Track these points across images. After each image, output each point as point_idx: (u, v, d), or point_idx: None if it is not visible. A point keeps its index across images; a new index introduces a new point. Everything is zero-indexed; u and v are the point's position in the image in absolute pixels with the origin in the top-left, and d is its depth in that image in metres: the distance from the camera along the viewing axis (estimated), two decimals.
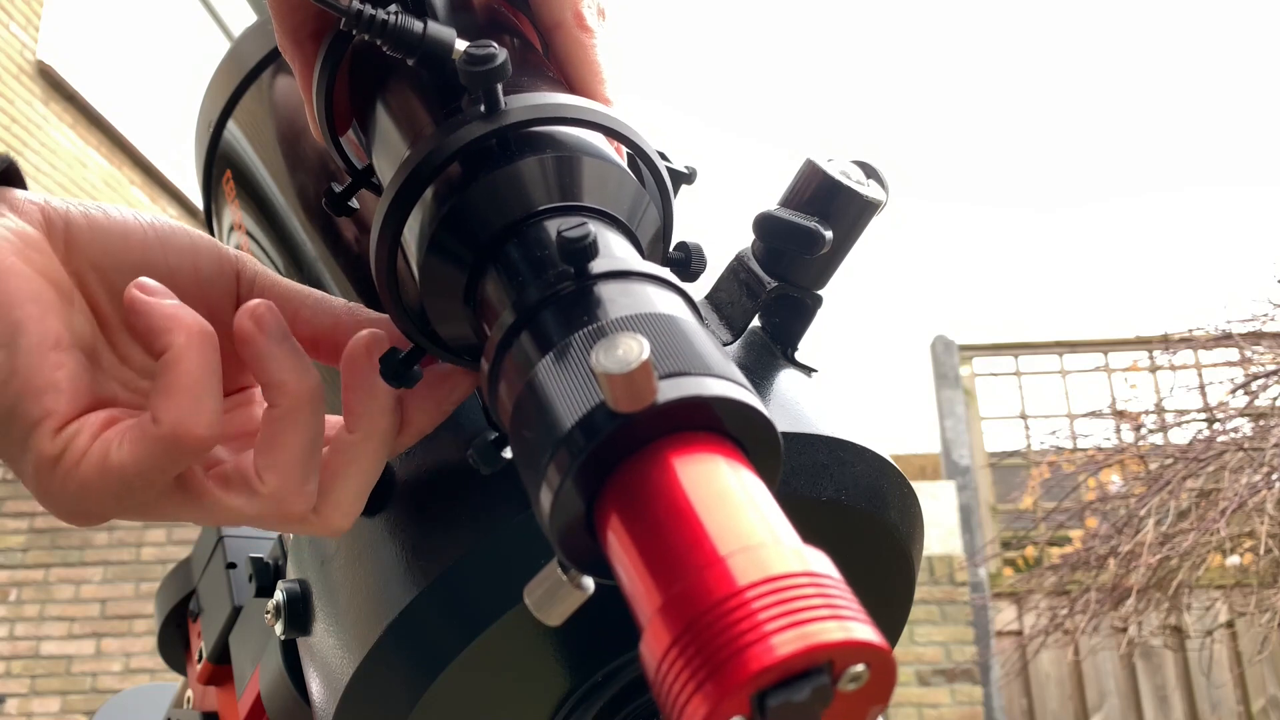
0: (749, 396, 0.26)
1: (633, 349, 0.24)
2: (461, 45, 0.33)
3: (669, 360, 0.26)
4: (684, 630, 0.22)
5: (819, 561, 0.23)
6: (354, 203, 0.42)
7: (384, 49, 0.33)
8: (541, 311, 0.29)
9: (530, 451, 0.26)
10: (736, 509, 0.24)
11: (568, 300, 0.28)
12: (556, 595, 0.28)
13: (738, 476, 0.25)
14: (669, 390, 0.25)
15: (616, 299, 0.28)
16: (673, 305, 0.29)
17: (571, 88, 0.38)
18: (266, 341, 0.33)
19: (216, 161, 0.58)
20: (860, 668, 0.22)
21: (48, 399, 0.31)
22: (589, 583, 0.28)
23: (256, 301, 0.34)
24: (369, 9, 0.33)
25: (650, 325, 0.27)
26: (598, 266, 0.29)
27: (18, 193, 0.35)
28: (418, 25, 0.33)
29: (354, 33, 0.33)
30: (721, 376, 0.26)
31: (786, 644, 0.21)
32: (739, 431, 0.26)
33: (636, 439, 0.25)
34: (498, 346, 0.29)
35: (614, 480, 0.25)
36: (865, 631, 0.22)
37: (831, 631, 0.21)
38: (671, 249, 0.37)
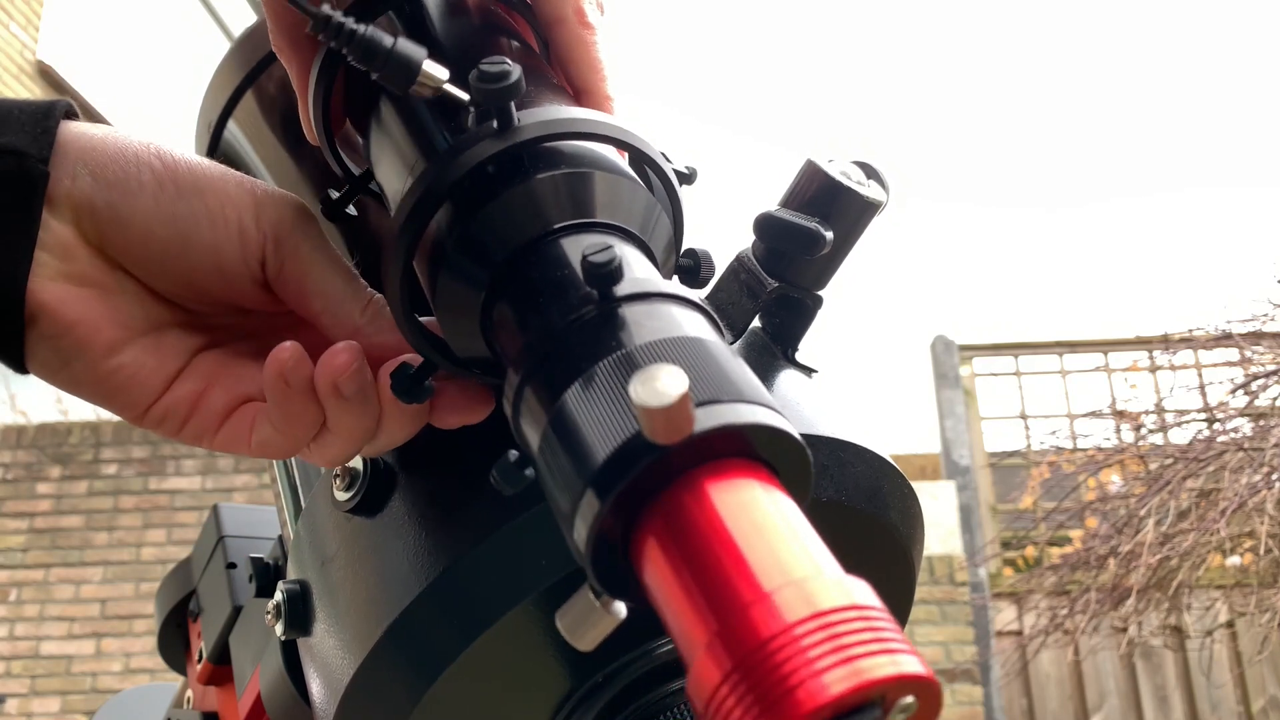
0: (782, 422, 0.26)
1: (671, 382, 0.23)
2: (430, 67, 0.32)
3: (702, 388, 0.26)
4: (734, 668, 0.22)
5: (863, 593, 0.23)
6: (351, 209, 0.42)
7: (348, 59, 0.32)
8: (568, 336, 0.28)
9: (563, 480, 0.26)
10: (777, 540, 0.24)
11: (594, 324, 0.28)
12: (589, 620, 0.28)
13: (775, 503, 0.25)
14: (705, 420, 0.25)
15: (643, 322, 0.28)
16: (698, 327, 0.28)
17: (572, 83, 0.38)
18: (342, 402, 0.36)
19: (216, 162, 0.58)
20: (909, 699, 0.22)
21: (119, 399, 0.37)
22: (621, 608, 0.28)
23: (336, 361, 0.35)
24: (339, 15, 0.32)
25: (679, 350, 0.27)
26: (622, 289, 0.28)
27: (59, 169, 0.35)
28: (387, 40, 0.32)
29: (319, 37, 0.32)
30: (753, 402, 0.26)
31: (839, 682, 0.21)
32: (770, 455, 0.26)
33: (672, 469, 0.25)
34: (524, 371, 0.29)
35: (651, 510, 0.25)
36: (914, 664, 0.22)
37: (883, 667, 0.21)
38: (680, 255, 0.37)
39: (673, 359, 0.26)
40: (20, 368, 0.36)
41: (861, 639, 0.22)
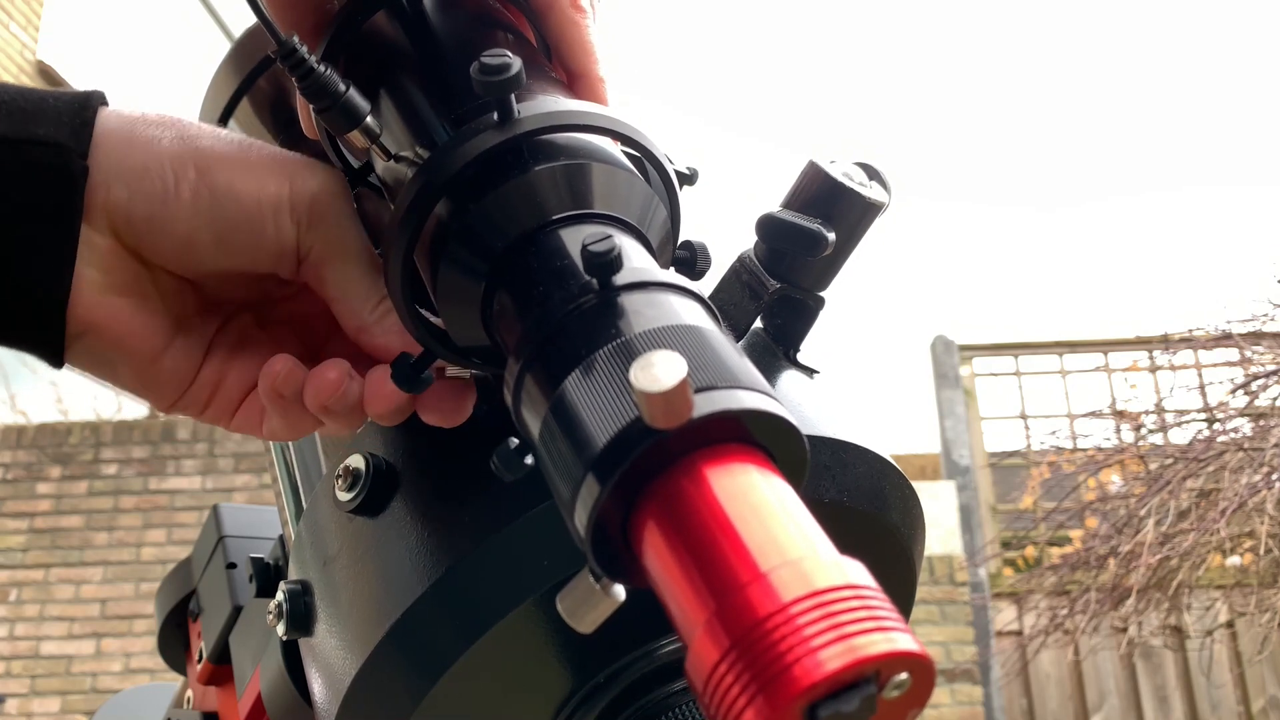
0: (777, 407, 0.26)
1: (670, 368, 0.24)
2: (370, 121, 0.34)
3: (699, 374, 0.26)
4: (732, 646, 0.22)
5: (858, 573, 0.23)
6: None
7: (299, 89, 0.34)
8: (568, 324, 0.29)
9: (563, 465, 0.27)
10: (774, 521, 0.24)
11: (593, 312, 0.29)
12: (588, 603, 0.28)
13: (771, 487, 0.25)
14: (703, 405, 0.25)
15: (642, 310, 0.28)
16: (695, 315, 0.29)
17: (565, 67, 0.38)
18: (332, 415, 0.37)
19: None
20: (903, 676, 0.22)
21: (154, 393, 0.39)
22: (620, 591, 0.28)
23: (324, 380, 0.36)
24: (303, 50, 0.33)
25: (677, 338, 0.27)
26: (621, 278, 0.29)
27: (95, 174, 0.35)
28: (340, 86, 0.34)
29: (278, 63, 0.33)
30: (750, 388, 0.26)
31: (835, 658, 0.21)
32: (766, 439, 0.27)
33: (670, 453, 0.25)
34: (524, 359, 0.29)
35: (649, 494, 0.26)
36: (908, 642, 0.22)
37: (878, 644, 0.22)
38: (677, 247, 0.37)
39: (671, 346, 0.27)
40: (58, 363, 0.37)
41: (856, 617, 0.22)
